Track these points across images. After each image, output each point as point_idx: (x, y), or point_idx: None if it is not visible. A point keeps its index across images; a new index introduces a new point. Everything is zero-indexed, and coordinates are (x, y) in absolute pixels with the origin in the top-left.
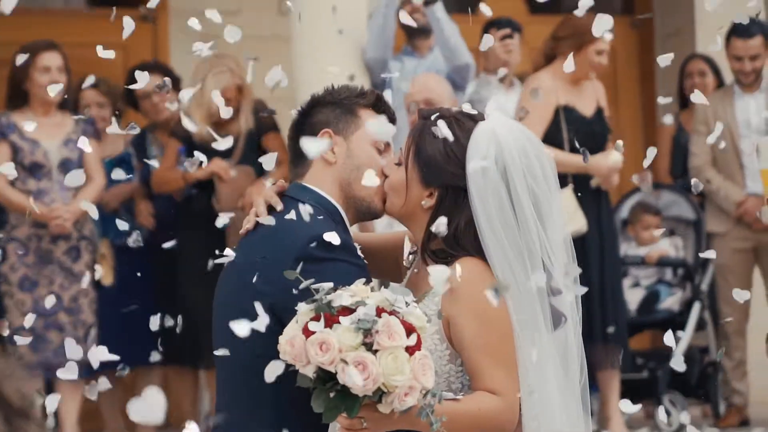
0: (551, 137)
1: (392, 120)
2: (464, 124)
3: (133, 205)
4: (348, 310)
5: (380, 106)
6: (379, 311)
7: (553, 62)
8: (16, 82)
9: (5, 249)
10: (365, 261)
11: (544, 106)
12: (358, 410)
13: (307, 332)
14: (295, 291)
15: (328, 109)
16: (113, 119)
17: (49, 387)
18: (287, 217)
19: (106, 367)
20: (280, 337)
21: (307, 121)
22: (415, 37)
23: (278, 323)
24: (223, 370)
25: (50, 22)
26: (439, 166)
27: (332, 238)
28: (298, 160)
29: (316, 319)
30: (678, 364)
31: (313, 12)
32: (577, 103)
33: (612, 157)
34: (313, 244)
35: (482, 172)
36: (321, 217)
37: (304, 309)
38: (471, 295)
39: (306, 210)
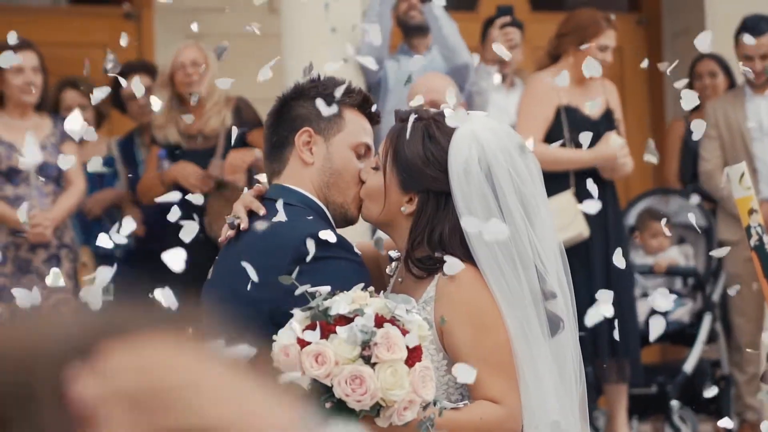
0: (553, 139)
1: (377, 121)
2: (444, 126)
3: (117, 212)
4: (345, 319)
5: (366, 107)
6: (378, 319)
7: (558, 61)
8: None
9: None
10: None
11: (545, 106)
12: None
13: (302, 342)
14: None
15: (311, 104)
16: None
17: None
18: (275, 219)
19: None
20: (274, 344)
21: (288, 113)
22: (412, 35)
23: (279, 329)
24: None
25: (29, 21)
26: (419, 170)
27: (328, 235)
28: (274, 153)
29: (312, 327)
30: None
31: (304, 9)
32: (582, 104)
33: (612, 142)
34: (308, 243)
35: (465, 175)
36: (311, 216)
37: (299, 316)
38: (464, 301)
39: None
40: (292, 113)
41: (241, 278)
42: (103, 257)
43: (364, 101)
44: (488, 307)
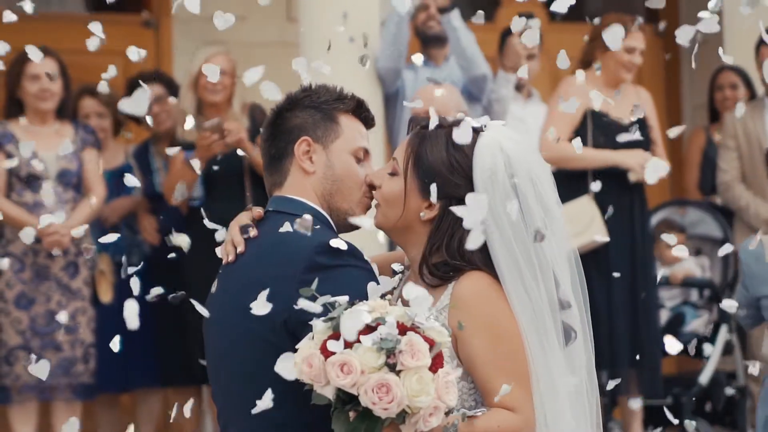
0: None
1: (372, 125)
2: None
3: (134, 220)
4: (368, 328)
5: (361, 112)
6: (400, 327)
7: (589, 67)
8: (10, 91)
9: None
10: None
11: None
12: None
13: (326, 352)
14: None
15: (307, 114)
16: None
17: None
18: (282, 230)
19: (106, 390)
20: (295, 356)
21: (284, 124)
22: (430, 45)
23: (294, 340)
24: (229, 399)
25: (49, 28)
26: (443, 177)
27: (339, 243)
28: (274, 165)
29: (335, 337)
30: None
31: (322, 18)
32: (612, 109)
33: (639, 156)
34: (320, 252)
35: (492, 182)
36: (318, 226)
37: (320, 327)
38: (480, 309)
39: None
40: (288, 124)
41: (252, 290)
42: (120, 265)
43: (357, 106)
44: (504, 315)
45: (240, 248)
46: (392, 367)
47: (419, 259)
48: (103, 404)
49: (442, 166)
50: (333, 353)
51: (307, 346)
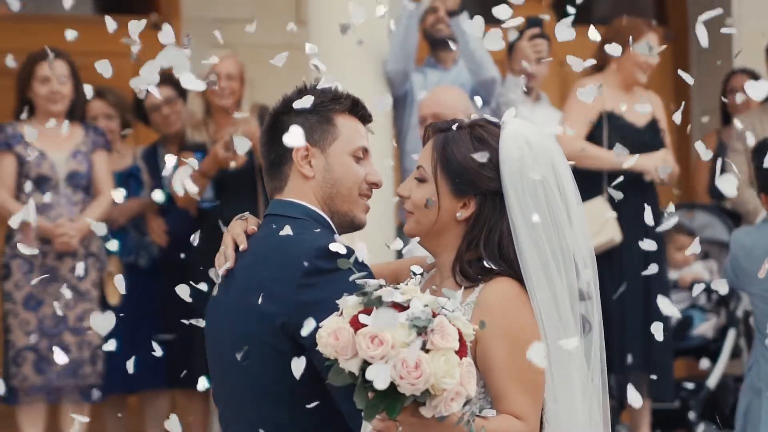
0: (592, 142)
1: (369, 120)
2: (489, 129)
3: (142, 221)
4: (399, 307)
5: (357, 111)
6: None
7: (603, 70)
8: (20, 92)
9: (9, 266)
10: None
11: (588, 108)
12: (400, 411)
13: (357, 325)
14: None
15: (302, 117)
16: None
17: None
18: (282, 233)
19: (114, 391)
20: (320, 330)
21: (281, 128)
22: (438, 48)
23: (293, 342)
24: (229, 402)
25: (58, 29)
26: (475, 173)
27: (339, 248)
28: (273, 170)
29: (367, 312)
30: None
31: (331, 21)
32: (627, 112)
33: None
34: (320, 256)
35: (520, 173)
36: (318, 230)
37: (351, 302)
38: (504, 316)
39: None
40: (285, 128)
41: (252, 293)
42: (129, 267)
43: (353, 104)
44: (528, 324)
45: (230, 264)
46: (422, 346)
47: (452, 260)
48: (111, 406)
49: (473, 162)
50: (364, 325)
51: (334, 321)
